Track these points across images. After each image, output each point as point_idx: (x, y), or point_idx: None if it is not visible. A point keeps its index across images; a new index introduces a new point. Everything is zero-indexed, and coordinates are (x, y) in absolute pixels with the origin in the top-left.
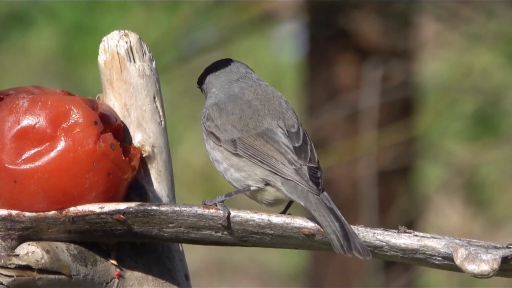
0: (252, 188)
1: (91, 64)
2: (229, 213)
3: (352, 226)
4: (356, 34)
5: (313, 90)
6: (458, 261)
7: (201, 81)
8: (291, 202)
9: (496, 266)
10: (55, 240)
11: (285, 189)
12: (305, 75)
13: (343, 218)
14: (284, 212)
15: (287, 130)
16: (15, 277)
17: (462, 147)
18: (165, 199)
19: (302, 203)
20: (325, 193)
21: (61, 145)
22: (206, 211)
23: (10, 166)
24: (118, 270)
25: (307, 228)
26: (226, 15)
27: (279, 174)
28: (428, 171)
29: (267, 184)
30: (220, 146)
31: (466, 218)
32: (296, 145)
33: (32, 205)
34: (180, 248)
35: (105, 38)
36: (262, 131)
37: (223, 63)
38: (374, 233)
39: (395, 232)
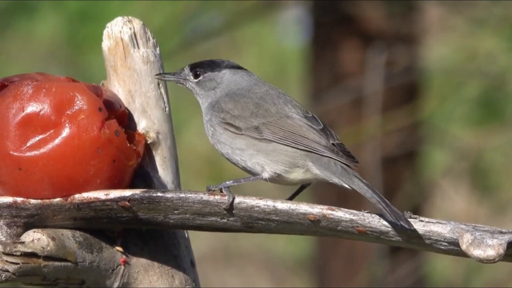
0: (264, 177)
1: (95, 51)
2: (234, 198)
3: (358, 212)
4: (360, 19)
5: (318, 76)
6: (464, 246)
7: (208, 71)
8: (300, 190)
9: (502, 251)
10: (61, 227)
11: (316, 168)
12: (309, 61)
13: (378, 192)
14: (291, 198)
15: (305, 116)
16: (21, 264)
17: (467, 131)
18: (170, 185)
19: (336, 180)
20: (351, 170)
21: (65, 132)
22: (211, 198)
23: (15, 153)
24: (124, 257)
25: (313, 214)
26: (231, 1)
27: (315, 152)
28: (434, 156)
29: (295, 167)
30: (242, 134)
31: (471, 203)
32: (320, 127)
33: (37, 192)
34: (186, 234)
35: (109, 25)
36: (285, 115)
37: (233, 65)
38: (380, 219)
39: None
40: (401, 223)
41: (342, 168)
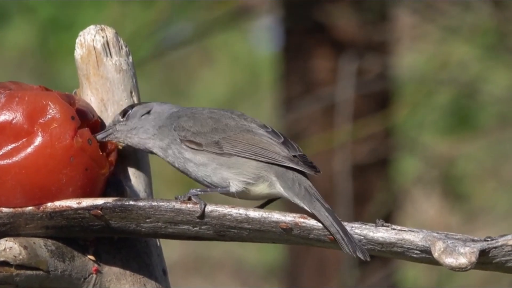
0: (231, 190)
1: (67, 59)
2: (205, 205)
3: None
4: (332, 27)
5: (290, 84)
6: (436, 254)
7: (133, 106)
8: (268, 202)
9: (474, 259)
10: (33, 236)
11: (280, 185)
12: (281, 69)
13: (339, 219)
14: (262, 207)
15: (265, 130)
16: None
17: (439, 140)
18: (142, 194)
19: (298, 201)
20: (316, 191)
21: (38, 140)
22: (183, 206)
23: None
24: (95, 265)
25: (285, 223)
26: (202, 9)
27: (275, 162)
28: (405, 164)
29: (259, 179)
30: (203, 150)
31: (443, 211)
32: (281, 140)
33: (9, 201)
34: (158, 243)
35: (81, 33)
36: (245, 129)
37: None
38: (352, 227)
39: (372, 225)
40: (358, 254)
41: (305, 190)
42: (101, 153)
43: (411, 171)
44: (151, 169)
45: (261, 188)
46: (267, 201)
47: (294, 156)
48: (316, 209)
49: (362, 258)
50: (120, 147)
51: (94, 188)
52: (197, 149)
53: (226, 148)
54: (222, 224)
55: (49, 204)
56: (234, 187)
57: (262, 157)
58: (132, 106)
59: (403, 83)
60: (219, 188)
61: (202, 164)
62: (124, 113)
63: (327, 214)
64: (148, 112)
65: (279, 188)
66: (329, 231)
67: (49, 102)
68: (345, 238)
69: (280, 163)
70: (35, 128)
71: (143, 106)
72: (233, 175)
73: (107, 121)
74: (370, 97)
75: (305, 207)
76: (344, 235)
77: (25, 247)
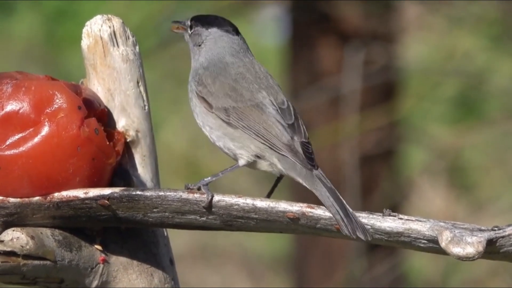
0: (240, 164)
1: (74, 49)
2: (212, 196)
3: None
4: (338, 18)
5: (295, 74)
6: (443, 244)
7: (198, 26)
8: (276, 183)
9: (481, 248)
10: (40, 225)
11: (281, 166)
12: (287, 59)
13: (342, 198)
14: (269, 196)
15: (278, 107)
16: (0, 263)
17: (444, 130)
18: (149, 184)
19: (300, 180)
20: (320, 170)
21: (45, 130)
22: (190, 196)
23: None
24: (103, 255)
25: (292, 212)
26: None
27: (274, 148)
28: (412, 155)
29: (259, 157)
30: (212, 112)
31: (450, 201)
32: (289, 122)
33: (16, 191)
34: (165, 233)
35: (88, 23)
36: (256, 104)
37: (230, 28)
38: (359, 217)
39: (380, 215)
40: (358, 234)
41: (306, 170)
42: (108, 143)
43: (418, 162)
44: (158, 159)
45: (263, 166)
46: (275, 183)
47: (302, 142)
48: (317, 189)
49: (362, 238)
50: (127, 138)
51: (101, 178)
52: (207, 109)
53: (232, 119)
54: (229, 214)
55: (56, 194)
56: (243, 161)
57: (262, 138)
58: (197, 20)
59: (409, 74)
60: (228, 169)
61: (209, 126)
62: (190, 26)
63: (328, 194)
64: (200, 45)
65: (280, 168)
66: (329, 211)
67: (56, 92)
68: (345, 219)
69: (276, 150)
70: (42, 118)
71: (200, 31)
72: (236, 148)
73: (114, 110)
74: (376, 87)
75: (308, 187)
76: (344, 216)
77: (32, 237)
